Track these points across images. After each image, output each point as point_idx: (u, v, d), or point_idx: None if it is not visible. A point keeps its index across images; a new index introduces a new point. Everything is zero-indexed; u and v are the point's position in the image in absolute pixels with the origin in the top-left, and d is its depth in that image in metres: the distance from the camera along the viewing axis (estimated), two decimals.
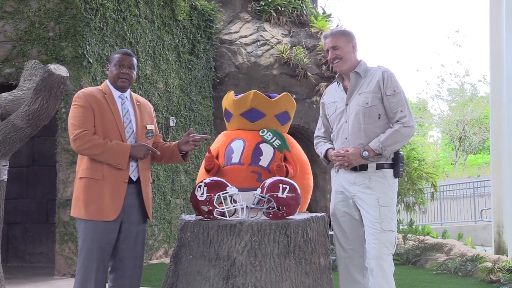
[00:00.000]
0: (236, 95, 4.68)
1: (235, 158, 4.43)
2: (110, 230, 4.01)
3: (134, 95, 4.35)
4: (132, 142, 4.12)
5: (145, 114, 4.29)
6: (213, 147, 4.62)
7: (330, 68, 12.10)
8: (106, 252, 4.03)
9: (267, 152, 4.45)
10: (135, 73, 4.26)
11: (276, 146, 4.48)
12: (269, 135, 4.52)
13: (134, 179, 4.12)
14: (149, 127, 4.26)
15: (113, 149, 3.97)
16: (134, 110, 4.22)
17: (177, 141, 4.33)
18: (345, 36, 4.31)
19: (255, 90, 4.63)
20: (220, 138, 4.70)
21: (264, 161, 4.41)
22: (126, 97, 4.23)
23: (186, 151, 4.30)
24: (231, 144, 4.54)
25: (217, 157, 4.52)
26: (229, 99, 4.70)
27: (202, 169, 4.60)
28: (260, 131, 4.55)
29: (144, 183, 4.17)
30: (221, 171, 4.42)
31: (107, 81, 4.24)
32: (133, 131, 4.16)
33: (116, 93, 4.19)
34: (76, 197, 4.08)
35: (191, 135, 4.23)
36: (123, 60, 4.17)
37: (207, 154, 4.47)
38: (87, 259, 3.99)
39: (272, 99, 4.63)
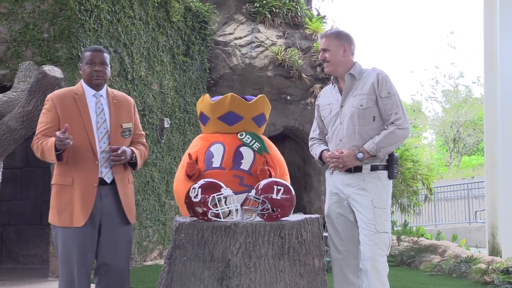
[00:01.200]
0: (212, 98, 4.66)
1: (216, 163, 4.41)
2: (85, 234, 3.97)
3: (113, 91, 4.26)
4: (106, 143, 4.06)
5: (121, 112, 4.19)
6: (190, 151, 4.56)
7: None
8: (86, 256, 3.99)
9: (248, 155, 4.44)
10: (108, 68, 4.18)
11: (256, 149, 4.47)
12: (248, 138, 4.50)
13: (109, 181, 4.07)
14: (125, 125, 4.17)
15: (44, 147, 3.92)
16: (109, 109, 4.14)
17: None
18: (338, 39, 4.31)
19: (232, 93, 4.58)
20: (198, 142, 4.65)
21: (246, 164, 4.41)
22: (101, 95, 4.15)
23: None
24: (211, 148, 4.50)
25: (196, 162, 4.47)
26: (205, 102, 4.64)
27: (180, 175, 4.55)
28: (239, 134, 4.52)
29: (120, 184, 4.10)
30: (202, 176, 4.37)
31: (81, 81, 4.17)
32: (107, 131, 4.09)
33: (90, 92, 4.11)
34: (51, 203, 4.06)
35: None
36: (94, 57, 4.09)
37: (188, 160, 4.42)
38: (67, 264, 3.97)
39: (249, 102, 4.60)
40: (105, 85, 4.21)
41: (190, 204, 3.95)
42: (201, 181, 4.04)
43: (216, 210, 3.89)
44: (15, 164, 9.78)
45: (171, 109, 10.35)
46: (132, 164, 4.18)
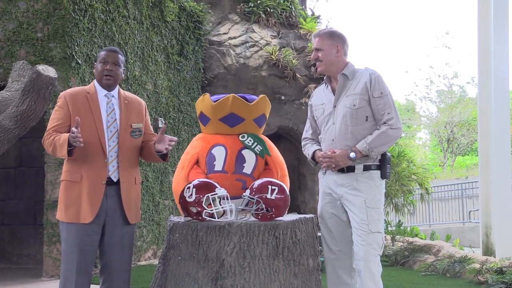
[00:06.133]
0: (212, 98, 4.55)
1: (218, 166, 4.35)
2: (89, 232, 3.99)
3: (125, 93, 4.32)
4: (115, 141, 4.11)
5: (132, 113, 4.24)
6: (190, 152, 4.51)
7: None
8: (88, 254, 4.01)
9: (250, 158, 4.39)
10: (121, 70, 4.23)
11: (258, 152, 4.42)
12: (250, 140, 4.44)
13: (115, 179, 4.10)
14: (135, 125, 4.21)
15: (56, 142, 3.95)
16: (120, 109, 4.19)
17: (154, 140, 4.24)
18: (331, 39, 4.31)
19: (233, 94, 4.46)
20: (198, 143, 4.54)
21: (248, 168, 4.36)
22: (113, 96, 4.21)
23: (160, 151, 4.17)
24: (212, 151, 4.42)
25: (196, 162, 4.43)
26: (206, 103, 4.53)
27: (180, 175, 4.46)
28: (240, 136, 4.44)
29: (124, 184, 4.11)
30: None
31: (94, 81, 4.23)
32: (117, 130, 4.14)
33: (101, 92, 4.17)
34: (59, 199, 4.11)
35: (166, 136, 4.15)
36: (107, 56, 4.16)
37: None
38: (67, 261, 4.00)
39: (251, 103, 4.48)
40: (117, 86, 4.28)
41: (184, 204, 3.95)
42: (196, 181, 4.03)
43: (211, 210, 3.89)
44: (9, 164, 9.77)
45: (165, 109, 10.34)
46: (163, 155, 4.22)
